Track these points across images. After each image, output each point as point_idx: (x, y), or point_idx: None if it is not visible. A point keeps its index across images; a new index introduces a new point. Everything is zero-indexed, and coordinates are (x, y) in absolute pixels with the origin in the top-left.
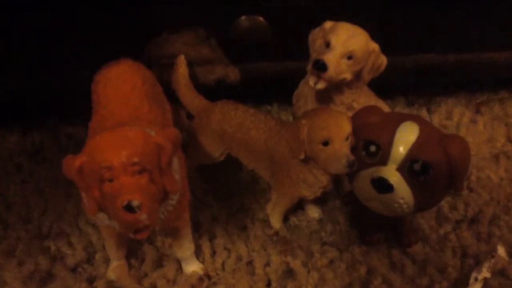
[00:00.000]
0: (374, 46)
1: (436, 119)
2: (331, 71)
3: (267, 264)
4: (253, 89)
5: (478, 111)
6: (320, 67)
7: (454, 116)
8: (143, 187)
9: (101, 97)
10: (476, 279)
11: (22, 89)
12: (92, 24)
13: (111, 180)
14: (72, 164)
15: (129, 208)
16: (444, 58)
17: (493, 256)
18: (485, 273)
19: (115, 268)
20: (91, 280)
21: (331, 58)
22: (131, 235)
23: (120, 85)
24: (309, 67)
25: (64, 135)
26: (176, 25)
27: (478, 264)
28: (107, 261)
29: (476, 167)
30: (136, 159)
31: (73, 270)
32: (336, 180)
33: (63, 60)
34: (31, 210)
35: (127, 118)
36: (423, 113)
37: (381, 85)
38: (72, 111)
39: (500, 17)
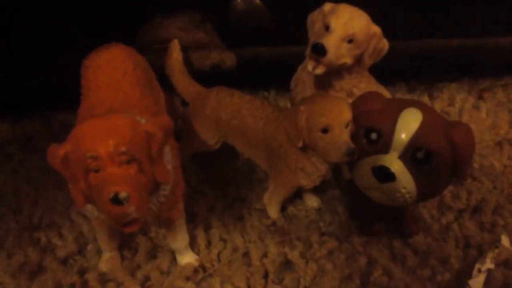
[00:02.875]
0: (376, 29)
1: (438, 106)
2: (331, 55)
3: (264, 255)
4: (250, 75)
5: (481, 97)
6: (319, 51)
7: (456, 102)
8: (131, 178)
9: (90, 83)
10: (479, 271)
11: (12, 77)
12: (83, 8)
13: (97, 171)
14: (56, 153)
15: (116, 200)
16: (447, 43)
17: (497, 247)
18: (488, 264)
19: (107, 260)
20: (82, 272)
21: (331, 42)
22: (121, 229)
23: (111, 70)
24: (308, 51)
25: (57, 123)
26: (170, 9)
27: (481, 254)
28: (99, 252)
29: (479, 154)
30: (123, 148)
31: (64, 262)
32: (336, 168)
33: (54, 46)
34: (22, 201)
35: (117, 105)
36: (425, 99)
37: (382, 71)
38: (64, 98)
39: (505, 1)
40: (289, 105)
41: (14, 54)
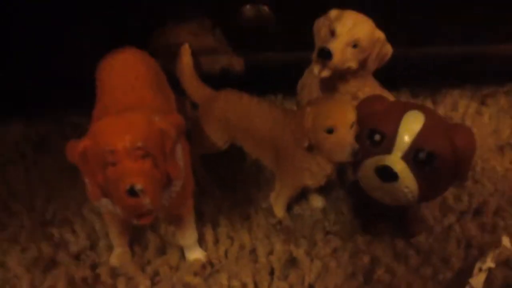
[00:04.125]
0: (380, 34)
1: (441, 111)
2: (336, 59)
3: (270, 253)
4: (258, 79)
5: (483, 103)
6: (325, 55)
7: (459, 107)
8: (146, 172)
9: (105, 85)
10: (480, 269)
11: (25, 78)
12: (98, 13)
13: (114, 164)
14: (76, 148)
15: (132, 192)
16: (450, 49)
17: (497, 247)
18: (489, 263)
19: (118, 255)
20: (94, 267)
21: (336, 46)
22: (134, 221)
23: (124, 72)
24: (314, 55)
25: (69, 124)
26: (181, 15)
27: (482, 254)
28: (110, 248)
29: (481, 158)
30: (139, 144)
31: (77, 257)
32: (340, 170)
33: (67, 49)
34: (35, 198)
35: (130, 106)
36: (428, 104)
37: (386, 77)
38: (77, 101)
39: (507, 8)
40: (295, 108)
41: (25, 56)
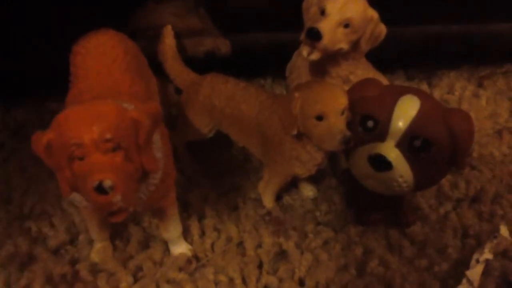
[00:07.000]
0: (373, 13)
1: (437, 94)
2: (326, 40)
3: (259, 245)
4: (245, 62)
5: (481, 85)
6: (314, 36)
7: (456, 90)
8: (117, 166)
9: (79, 70)
10: (477, 261)
11: (3, 64)
12: None
13: (81, 159)
14: (40, 140)
15: (100, 189)
16: (447, 28)
17: (495, 237)
18: (487, 254)
19: (99, 250)
20: (73, 262)
21: (326, 26)
22: (107, 218)
23: (100, 56)
24: (302, 36)
25: (48, 112)
26: None
27: (479, 244)
28: (90, 242)
29: (478, 143)
30: (108, 135)
31: (55, 252)
32: (332, 157)
33: (45, 33)
34: (12, 190)
35: (106, 92)
36: (424, 87)
37: (380, 58)
38: (57, 86)
39: None
40: (285, 92)
41: (5, 41)
